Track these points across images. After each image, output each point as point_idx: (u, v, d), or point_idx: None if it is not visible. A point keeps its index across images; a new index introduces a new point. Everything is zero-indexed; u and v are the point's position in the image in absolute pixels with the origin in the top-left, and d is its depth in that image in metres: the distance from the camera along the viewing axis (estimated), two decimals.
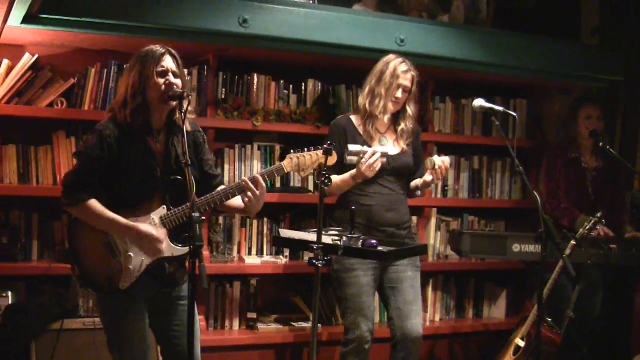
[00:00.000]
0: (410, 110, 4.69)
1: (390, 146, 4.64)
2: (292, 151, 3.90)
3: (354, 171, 4.40)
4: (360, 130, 4.66)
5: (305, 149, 3.90)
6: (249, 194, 3.73)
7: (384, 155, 4.37)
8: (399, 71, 4.56)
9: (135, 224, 3.62)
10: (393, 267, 4.66)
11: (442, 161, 4.45)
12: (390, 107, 4.60)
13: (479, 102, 4.40)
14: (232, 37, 4.80)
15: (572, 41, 6.26)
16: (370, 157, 4.30)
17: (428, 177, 4.55)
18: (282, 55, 5.21)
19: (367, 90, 4.64)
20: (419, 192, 4.81)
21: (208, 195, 3.75)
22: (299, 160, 3.88)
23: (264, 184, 3.76)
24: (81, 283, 3.75)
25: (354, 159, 4.33)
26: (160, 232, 3.66)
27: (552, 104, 6.47)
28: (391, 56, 4.65)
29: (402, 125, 4.69)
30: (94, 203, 3.60)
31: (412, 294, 4.68)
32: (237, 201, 3.86)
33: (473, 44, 5.47)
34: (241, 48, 4.95)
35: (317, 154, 3.89)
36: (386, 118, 4.64)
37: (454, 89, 6.06)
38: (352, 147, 4.35)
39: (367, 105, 4.61)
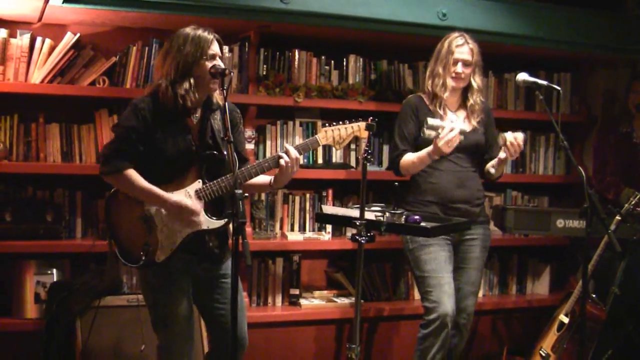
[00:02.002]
0: (476, 83, 4.62)
1: (461, 123, 4.54)
2: (326, 124, 3.90)
3: (430, 147, 4.33)
4: (431, 108, 4.60)
5: (340, 122, 3.89)
6: (284, 164, 3.73)
7: (462, 132, 4.27)
8: (453, 46, 4.52)
9: (171, 195, 3.64)
10: (464, 246, 4.66)
11: (514, 137, 4.36)
12: (450, 82, 4.54)
13: (523, 76, 4.31)
14: (273, 14, 4.78)
15: (617, 13, 6.13)
16: (449, 133, 4.21)
17: (502, 154, 4.47)
18: (323, 31, 5.16)
19: (428, 71, 4.63)
20: (492, 171, 4.63)
21: (243, 169, 3.74)
22: (334, 133, 3.88)
23: (298, 156, 3.77)
24: (117, 258, 3.76)
25: (432, 133, 4.24)
26: (196, 204, 3.66)
27: (597, 77, 6.37)
28: (450, 33, 4.60)
29: (471, 100, 4.64)
30: (132, 172, 3.62)
31: (475, 275, 4.70)
32: (260, 179, 3.86)
33: (516, 18, 5.41)
34: (282, 24, 4.92)
35: (352, 127, 3.89)
36: (453, 95, 4.60)
37: (496, 63, 5.95)
38: (431, 121, 4.26)
39: (430, 86, 4.59)
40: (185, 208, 3.63)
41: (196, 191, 3.69)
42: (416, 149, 4.50)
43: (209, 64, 3.63)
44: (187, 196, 3.68)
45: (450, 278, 4.53)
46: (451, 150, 4.28)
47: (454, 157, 4.53)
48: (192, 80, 3.64)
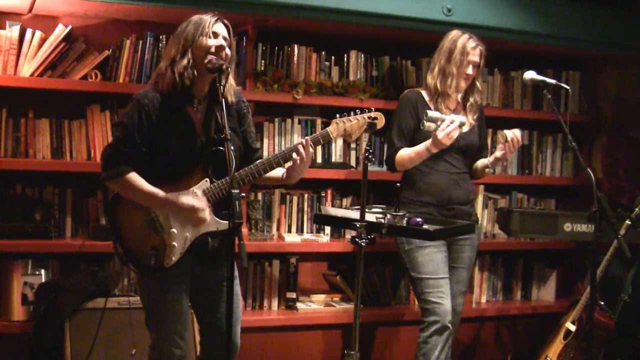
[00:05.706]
0: (478, 84, 4.72)
1: (461, 117, 4.55)
2: (337, 116, 3.83)
3: (428, 141, 4.38)
4: (431, 105, 4.63)
5: (352, 113, 3.82)
6: (298, 157, 3.68)
7: (461, 124, 4.34)
8: (468, 47, 4.56)
9: (176, 197, 3.56)
10: (456, 246, 4.70)
11: (512, 133, 4.45)
12: (463, 84, 4.61)
13: (530, 75, 4.28)
14: (271, 7, 4.75)
15: (628, 10, 6.03)
16: (449, 125, 4.27)
17: (499, 152, 4.57)
18: (323, 26, 5.11)
19: (436, 69, 4.62)
20: (488, 170, 4.76)
21: (252, 166, 3.67)
22: (346, 124, 3.81)
23: (311, 150, 3.72)
24: (124, 261, 3.72)
25: (432, 125, 4.31)
26: (202, 202, 3.57)
27: (607, 76, 6.28)
28: (456, 32, 4.64)
29: (471, 100, 4.71)
30: (133, 176, 3.55)
31: (465, 275, 4.77)
32: (275, 172, 3.81)
33: (523, 13, 5.35)
34: (281, 18, 4.86)
35: (364, 118, 3.83)
36: (459, 96, 4.66)
37: (502, 60, 5.88)
38: (431, 113, 4.34)
39: (438, 84, 4.60)
40: (193, 209, 3.55)
41: (204, 191, 3.61)
42: (413, 145, 4.53)
43: (209, 41, 3.57)
44: (193, 196, 3.60)
45: (448, 279, 4.60)
46: (450, 143, 4.32)
47: (450, 158, 4.62)
48: (189, 56, 3.57)
